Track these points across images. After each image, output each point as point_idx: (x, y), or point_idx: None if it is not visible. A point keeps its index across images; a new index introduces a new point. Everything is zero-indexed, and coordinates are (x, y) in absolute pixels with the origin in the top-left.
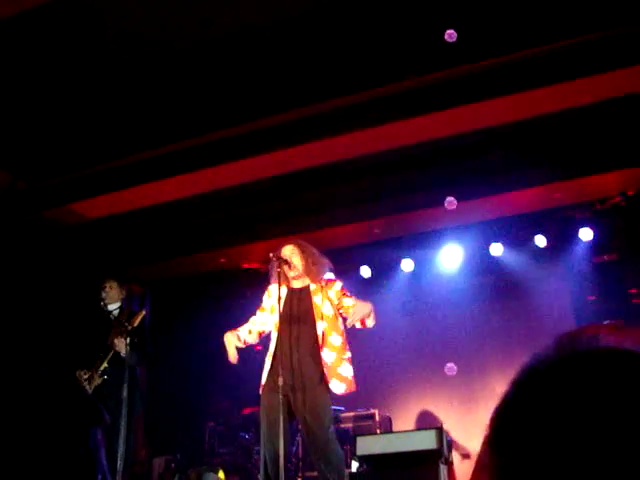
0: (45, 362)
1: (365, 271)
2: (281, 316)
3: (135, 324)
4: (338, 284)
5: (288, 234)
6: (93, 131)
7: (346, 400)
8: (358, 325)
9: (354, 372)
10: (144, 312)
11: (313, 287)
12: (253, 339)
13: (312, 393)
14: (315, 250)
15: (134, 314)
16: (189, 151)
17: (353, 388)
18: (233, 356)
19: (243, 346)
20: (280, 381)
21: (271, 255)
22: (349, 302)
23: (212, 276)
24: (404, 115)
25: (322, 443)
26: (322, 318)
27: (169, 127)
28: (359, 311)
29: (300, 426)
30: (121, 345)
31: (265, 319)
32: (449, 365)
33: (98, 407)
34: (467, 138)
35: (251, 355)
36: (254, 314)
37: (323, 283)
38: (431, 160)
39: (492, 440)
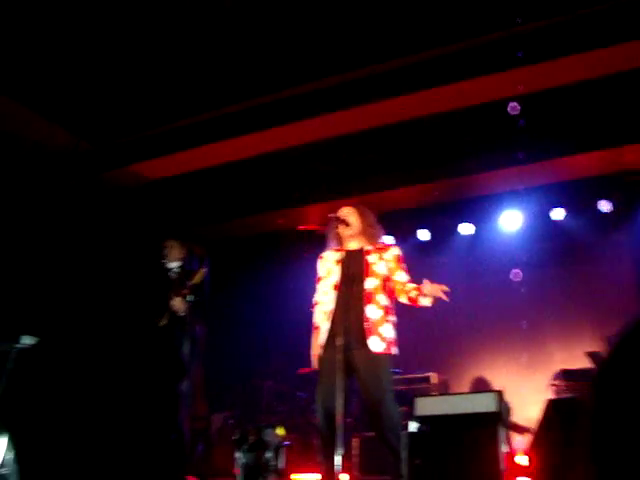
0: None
1: (423, 234)
2: (339, 277)
3: (194, 281)
4: (395, 249)
5: (346, 196)
6: (156, 92)
7: (402, 363)
8: (405, 300)
9: (396, 337)
10: (204, 270)
11: (368, 248)
12: None
13: (368, 351)
14: (373, 216)
15: (193, 272)
16: (250, 111)
17: (391, 351)
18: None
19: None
20: (339, 340)
21: (330, 215)
22: (403, 277)
23: (270, 237)
24: (466, 75)
25: (378, 403)
26: (373, 275)
27: (230, 87)
28: (431, 291)
29: (358, 385)
30: (178, 304)
31: (324, 287)
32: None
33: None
34: (531, 99)
35: (307, 314)
36: (314, 290)
37: (379, 245)
38: (493, 122)
39: (595, 405)
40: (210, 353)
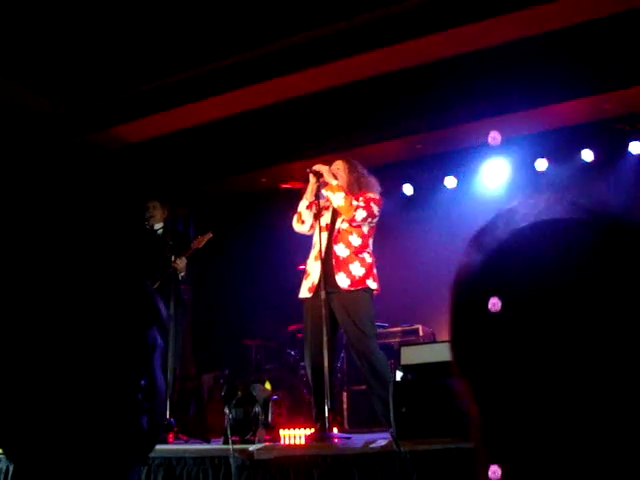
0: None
1: (407, 189)
2: (327, 231)
3: (200, 246)
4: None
5: (329, 152)
6: (130, 53)
7: (389, 316)
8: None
9: (372, 273)
10: (211, 234)
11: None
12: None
13: (341, 290)
14: (364, 170)
15: (180, 234)
16: (228, 69)
17: (360, 285)
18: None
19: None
20: (322, 295)
21: (307, 170)
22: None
23: (253, 196)
24: (445, 26)
25: (364, 349)
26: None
27: (207, 47)
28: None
29: (344, 335)
30: (181, 265)
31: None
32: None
33: (156, 304)
34: (510, 48)
35: (294, 273)
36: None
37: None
38: (474, 72)
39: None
40: (199, 315)
